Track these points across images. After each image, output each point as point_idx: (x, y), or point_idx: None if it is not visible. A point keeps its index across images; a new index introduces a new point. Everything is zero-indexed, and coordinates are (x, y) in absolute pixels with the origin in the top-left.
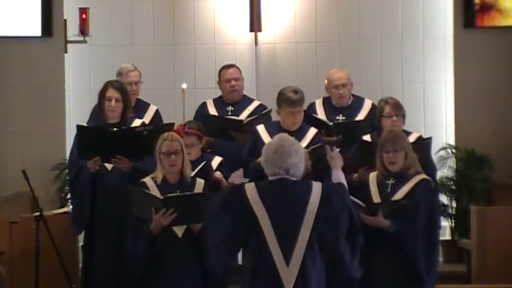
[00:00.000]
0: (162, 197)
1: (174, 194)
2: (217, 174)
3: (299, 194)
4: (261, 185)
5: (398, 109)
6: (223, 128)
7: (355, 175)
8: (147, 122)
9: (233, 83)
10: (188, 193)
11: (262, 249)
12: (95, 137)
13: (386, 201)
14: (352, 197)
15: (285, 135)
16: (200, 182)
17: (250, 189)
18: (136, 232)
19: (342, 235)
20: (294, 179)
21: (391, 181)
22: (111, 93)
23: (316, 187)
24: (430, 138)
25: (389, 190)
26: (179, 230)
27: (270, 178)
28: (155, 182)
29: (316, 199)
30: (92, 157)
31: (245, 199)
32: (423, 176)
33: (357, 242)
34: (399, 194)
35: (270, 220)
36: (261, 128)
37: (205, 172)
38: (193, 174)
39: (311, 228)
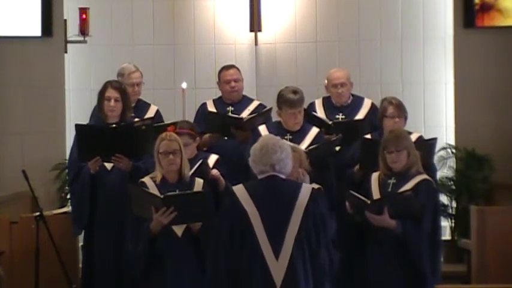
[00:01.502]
0: (162, 196)
1: (174, 193)
2: (214, 172)
3: (288, 190)
4: (249, 184)
5: (401, 110)
6: (224, 125)
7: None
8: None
9: (233, 84)
10: (188, 191)
11: (253, 245)
12: (94, 135)
13: (390, 194)
14: (356, 194)
15: (269, 135)
16: (199, 182)
17: (239, 189)
18: (136, 232)
19: (325, 238)
20: (282, 176)
21: (392, 180)
22: (111, 93)
23: (306, 187)
24: (434, 139)
25: (390, 189)
26: (179, 230)
27: (259, 177)
28: (154, 181)
29: (305, 197)
30: (92, 157)
31: (236, 201)
32: (425, 176)
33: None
34: None
35: (259, 216)
36: (263, 129)
37: (202, 171)
38: (190, 173)
39: (299, 222)
